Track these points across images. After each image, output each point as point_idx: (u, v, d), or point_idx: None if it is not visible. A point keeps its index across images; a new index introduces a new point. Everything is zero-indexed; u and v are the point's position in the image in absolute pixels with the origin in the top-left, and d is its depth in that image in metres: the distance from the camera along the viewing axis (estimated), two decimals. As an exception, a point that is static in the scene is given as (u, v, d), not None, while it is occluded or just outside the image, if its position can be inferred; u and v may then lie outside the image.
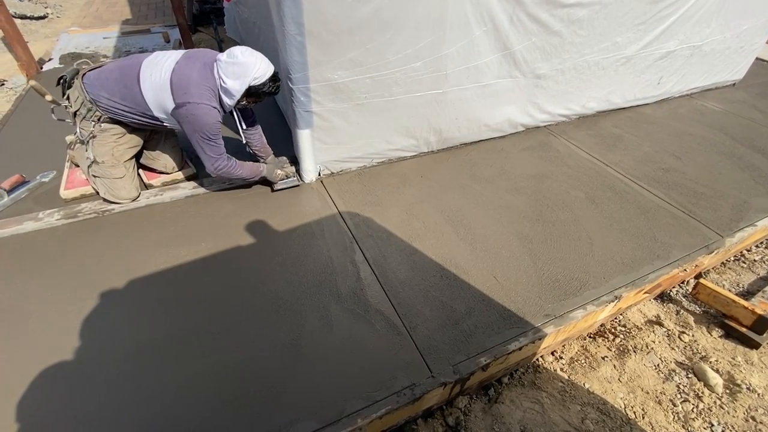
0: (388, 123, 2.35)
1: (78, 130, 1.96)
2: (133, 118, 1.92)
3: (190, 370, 1.42)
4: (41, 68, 3.62)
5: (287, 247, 1.93)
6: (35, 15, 5.39)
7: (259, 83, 1.81)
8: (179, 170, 2.28)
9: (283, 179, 2.28)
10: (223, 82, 1.78)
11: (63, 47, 4.29)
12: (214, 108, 1.81)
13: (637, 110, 3.39)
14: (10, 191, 2.10)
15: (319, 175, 2.40)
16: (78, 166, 2.23)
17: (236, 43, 4.23)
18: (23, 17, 5.26)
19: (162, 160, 2.21)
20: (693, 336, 1.95)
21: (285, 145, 2.54)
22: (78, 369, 1.41)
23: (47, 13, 5.52)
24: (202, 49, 1.94)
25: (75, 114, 1.92)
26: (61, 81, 1.94)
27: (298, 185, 2.31)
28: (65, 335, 1.51)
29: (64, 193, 2.10)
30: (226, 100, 1.84)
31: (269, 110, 3.00)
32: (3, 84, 3.79)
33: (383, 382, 1.42)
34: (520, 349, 1.56)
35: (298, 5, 1.72)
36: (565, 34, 2.50)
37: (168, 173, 2.25)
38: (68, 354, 1.45)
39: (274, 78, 1.86)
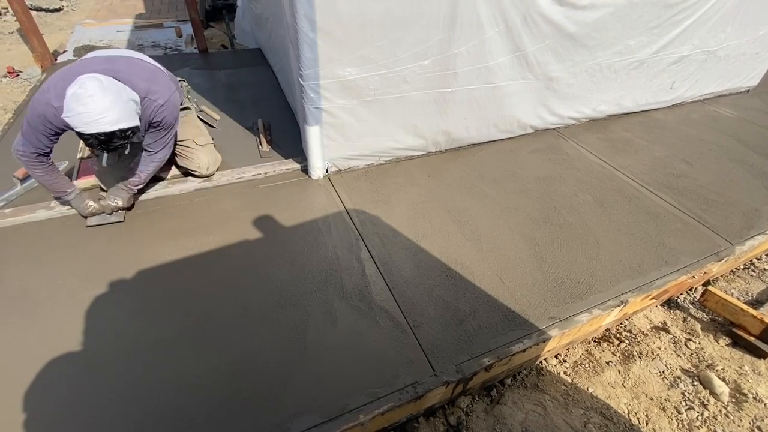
0: (396, 120, 2.35)
1: None
2: None
3: (195, 362, 1.44)
4: (56, 60, 3.67)
5: (293, 243, 1.94)
6: (51, 7, 5.46)
7: (67, 122, 1.53)
8: (215, 170, 2.27)
9: (97, 214, 1.93)
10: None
11: (77, 39, 4.34)
12: (53, 106, 1.57)
13: (649, 115, 3.36)
14: (23, 180, 2.13)
15: (327, 171, 2.41)
16: (89, 157, 2.25)
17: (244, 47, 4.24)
18: (39, 9, 5.34)
19: (196, 160, 2.17)
20: (700, 344, 1.93)
21: (293, 142, 2.55)
22: (85, 357, 1.43)
23: (62, 6, 5.59)
24: (133, 62, 1.78)
25: None
26: None
27: (120, 221, 1.96)
28: (74, 323, 1.53)
29: (76, 183, 2.12)
30: None
31: (278, 106, 3.02)
32: (18, 75, 3.85)
33: (386, 379, 1.42)
34: (523, 351, 1.56)
35: (311, 2, 1.73)
36: (578, 37, 2.48)
37: (204, 175, 2.23)
38: (76, 342, 1.47)
39: (82, 135, 1.55)
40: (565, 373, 1.79)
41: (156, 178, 2.18)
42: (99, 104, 1.49)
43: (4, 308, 1.57)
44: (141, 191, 2.09)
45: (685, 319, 2.06)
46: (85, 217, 1.95)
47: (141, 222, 2.00)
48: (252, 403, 1.33)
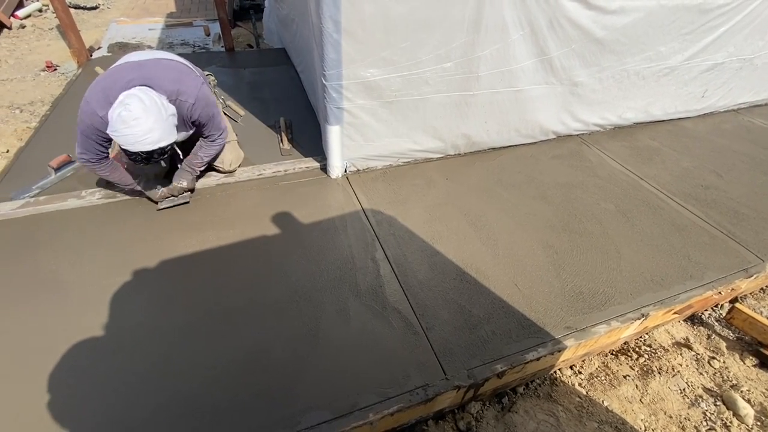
0: (416, 122, 2.35)
1: None
2: None
3: (210, 352, 1.47)
4: (91, 56, 3.82)
5: (310, 240, 1.96)
6: (88, 5, 5.70)
7: (113, 138, 1.66)
8: (237, 166, 2.33)
9: (166, 197, 2.07)
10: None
11: (111, 37, 4.51)
12: (98, 116, 1.68)
13: (678, 123, 3.25)
14: (57, 169, 2.23)
15: (345, 171, 2.43)
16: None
17: (269, 47, 4.32)
18: (77, 7, 5.57)
19: (220, 155, 2.22)
20: (724, 362, 1.86)
21: (313, 141, 2.58)
22: (107, 341, 1.49)
23: (99, 4, 5.82)
24: (160, 64, 1.84)
25: None
26: None
27: (187, 203, 2.11)
28: (98, 307, 1.59)
29: (105, 174, 2.20)
30: None
31: (300, 105, 3.06)
32: (56, 69, 4.02)
33: (397, 379, 1.42)
34: (537, 359, 1.53)
35: (337, 4, 1.75)
36: (606, 42, 2.42)
37: (226, 170, 2.29)
38: (99, 326, 1.53)
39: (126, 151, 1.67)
40: (579, 384, 1.75)
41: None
42: (143, 126, 1.61)
43: (34, 289, 1.65)
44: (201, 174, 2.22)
45: (709, 337, 1.99)
46: (156, 202, 2.08)
47: (165, 214, 2.06)
48: (264, 395, 1.35)
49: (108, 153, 1.88)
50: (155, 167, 2.10)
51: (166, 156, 1.78)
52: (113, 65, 1.84)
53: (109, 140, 1.79)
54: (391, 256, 1.90)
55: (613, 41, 2.45)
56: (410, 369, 1.46)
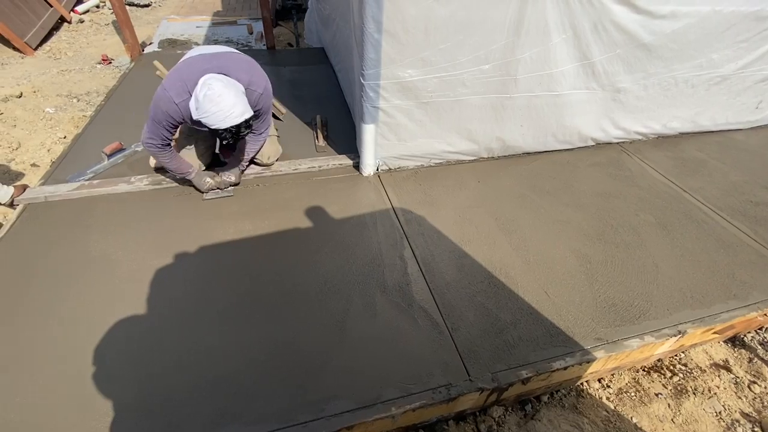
0: (450, 123, 2.35)
1: None
2: None
3: (243, 336, 1.54)
4: (143, 50, 4.04)
5: (341, 235, 2.01)
6: (141, 3, 6.04)
7: (203, 121, 1.74)
8: (275, 160, 2.41)
9: (213, 189, 2.18)
10: (191, 95, 1.79)
11: (162, 33, 4.75)
12: (174, 103, 1.78)
13: (728, 135, 3.08)
14: (110, 156, 2.39)
15: (377, 169, 2.46)
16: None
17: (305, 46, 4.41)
18: (131, 4, 5.92)
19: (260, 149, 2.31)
20: (765, 388, 1.76)
21: (347, 139, 2.63)
22: (148, 318, 1.58)
23: (151, 2, 6.15)
24: (232, 56, 1.95)
25: None
26: None
27: (231, 195, 2.20)
28: (142, 287, 1.70)
29: (153, 162, 2.34)
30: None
31: (336, 103, 3.12)
32: (111, 62, 4.29)
33: (420, 376, 1.44)
34: (565, 368, 1.51)
35: (380, 4, 1.78)
36: (654, 47, 2.34)
37: (265, 164, 2.38)
38: (142, 303, 1.63)
39: (217, 131, 1.77)
40: (608, 398, 1.70)
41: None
42: (227, 101, 1.70)
43: (86, 267, 1.77)
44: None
45: (750, 360, 1.88)
46: (203, 193, 2.19)
47: (206, 202, 2.16)
48: (291, 381, 1.40)
49: (171, 141, 2.00)
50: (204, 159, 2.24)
51: (250, 131, 1.87)
52: (185, 57, 1.96)
53: (176, 128, 1.93)
54: (419, 255, 1.92)
55: (662, 47, 2.36)
56: (434, 367, 1.47)
